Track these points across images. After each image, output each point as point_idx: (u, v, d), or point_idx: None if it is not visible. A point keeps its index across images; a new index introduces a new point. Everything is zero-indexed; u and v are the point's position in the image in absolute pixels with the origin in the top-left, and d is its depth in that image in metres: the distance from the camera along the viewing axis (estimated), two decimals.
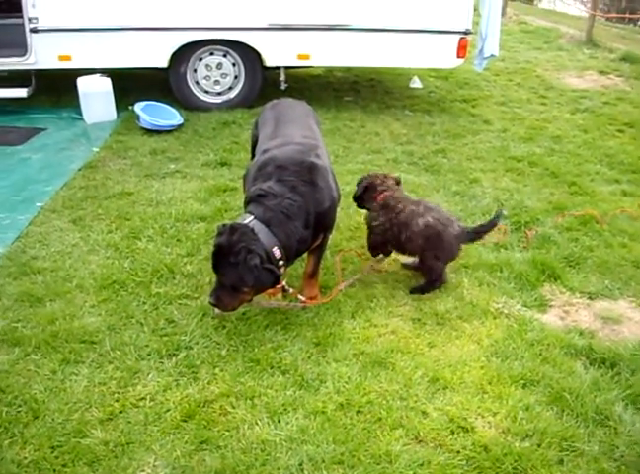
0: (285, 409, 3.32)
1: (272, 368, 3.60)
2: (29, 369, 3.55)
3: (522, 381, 3.57)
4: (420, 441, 3.17)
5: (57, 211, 5.41)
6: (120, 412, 3.29)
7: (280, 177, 3.88)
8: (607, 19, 17.68)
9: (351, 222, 5.22)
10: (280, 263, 3.77)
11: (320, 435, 3.14)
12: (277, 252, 3.74)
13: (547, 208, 5.72)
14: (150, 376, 3.53)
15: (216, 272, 3.75)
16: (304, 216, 3.85)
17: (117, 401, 3.36)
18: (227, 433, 3.18)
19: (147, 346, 3.76)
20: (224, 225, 3.77)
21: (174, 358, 3.67)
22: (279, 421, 3.24)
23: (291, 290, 4.11)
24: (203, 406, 3.33)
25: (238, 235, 3.66)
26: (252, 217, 3.77)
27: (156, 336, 3.85)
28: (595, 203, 5.85)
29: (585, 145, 7.52)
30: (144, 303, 4.16)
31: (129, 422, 3.23)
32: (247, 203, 3.95)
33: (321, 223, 3.99)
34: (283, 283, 4.01)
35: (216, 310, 3.91)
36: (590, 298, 4.48)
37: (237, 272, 3.63)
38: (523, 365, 3.69)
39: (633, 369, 3.70)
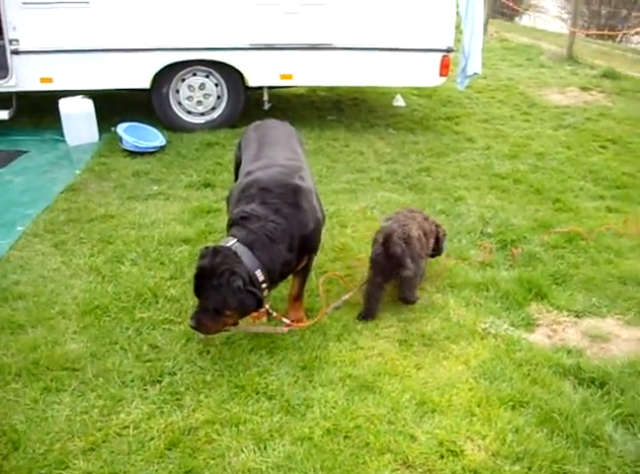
0: (272, 435, 3.26)
1: (257, 394, 3.54)
2: (9, 399, 3.47)
3: (511, 402, 3.52)
4: (409, 466, 3.12)
5: (39, 235, 5.34)
6: (103, 441, 3.22)
7: (264, 199, 3.84)
8: (587, 35, 17.84)
9: (335, 243, 5.19)
10: (264, 286, 3.72)
11: (307, 462, 3.08)
12: (259, 275, 3.69)
13: (532, 226, 5.71)
14: (134, 404, 3.46)
15: (198, 295, 3.70)
16: (288, 239, 3.81)
17: (99, 430, 3.29)
18: (212, 461, 3.11)
19: (131, 372, 3.69)
20: (207, 248, 3.72)
21: (158, 385, 3.60)
22: (265, 448, 3.18)
23: (275, 313, 4.05)
24: (188, 434, 3.27)
25: (221, 257, 3.61)
26: (235, 240, 3.73)
27: (140, 362, 3.78)
28: (579, 220, 5.85)
29: (568, 161, 7.54)
30: (127, 328, 4.10)
31: (112, 451, 3.16)
32: (230, 226, 3.91)
33: (305, 245, 3.96)
34: (267, 307, 3.96)
35: (200, 335, 3.87)
36: (577, 316, 4.45)
37: (220, 294, 3.58)
38: (512, 386, 3.64)
39: (622, 388, 3.66)
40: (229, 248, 3.68)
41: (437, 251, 4.75)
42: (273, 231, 3.77)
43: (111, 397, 3.50)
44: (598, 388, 3.68)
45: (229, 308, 3.65)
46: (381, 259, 4.25)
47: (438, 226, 4.75)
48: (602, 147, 8.19)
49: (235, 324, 3.84)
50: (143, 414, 3.39)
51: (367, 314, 4.27)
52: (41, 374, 3.65)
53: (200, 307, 3.69)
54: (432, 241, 4.63)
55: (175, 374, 3.68)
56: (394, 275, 4.27)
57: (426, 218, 4.67)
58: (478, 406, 3.50)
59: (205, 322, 3.68)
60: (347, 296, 4.45)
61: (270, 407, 3.45)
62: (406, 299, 4.34)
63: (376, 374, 3.71)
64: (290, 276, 4.15)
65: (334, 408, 3.43)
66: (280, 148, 4.42)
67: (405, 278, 4.25)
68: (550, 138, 8.49)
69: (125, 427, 3.31)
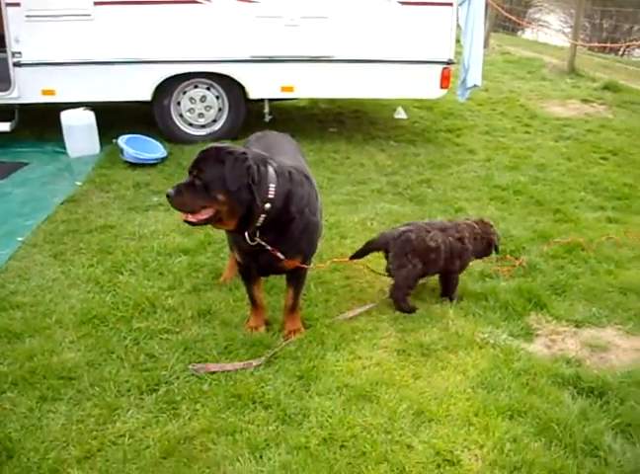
0: (268, 444, 3.24)
1: (254, 403, 3.52)
2: (4, 407, 3.46)
3: (509, 412, 3.50)
4: None
5: (38, 246, 5.35)
6: (99, 450, 3.20)
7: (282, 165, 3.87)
8: (589, 49, 17.87)
9: (334, 254, 5.16)
10: (267, 206, 3.63)
11: (303, 472, 3.06)
12: (272, 189, 3.64)
13: (532, 237, 5.69)
14: (130, 413, 3.45)
15: (193, 168, 3.57)
16: (304, 194, 3.85)
17: (95, 439, 3.27)
18: (208, 470, 3.09)
19: (127, 381, 3.68)
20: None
21: (154, 394, 3.59)
22: (260, 457, 3.16)
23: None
24: (184, 443, 3.25)
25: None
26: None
27: (136, 371, 3.77)
28: (580, 231, 5.83)
29: (569, 173, 7.53)
30: (125, 338, 4.09)
31: (107, 460, 3.14)
32: None
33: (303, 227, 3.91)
34: (257, 240, 3.78)
35: (183, 216, 3.66)
36: (576, 326, 4.43)
37: (222, 169, 3.47)
38: (510, 396, 3.62)
39: (621, 398, 3.63)
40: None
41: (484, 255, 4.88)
42: (296, 176, 3.81)
43: (107, 406, 3.49)
44: (597, 398, 3.65)
45: (224, 190, 3.49)
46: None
47: (492, 235, 4.78)
48: (603, 159, 8.18)
49: (218, 221, 3.64)
50: (139, 423, 3.38)
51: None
52: (38, 383, 3.64)
53: (189, 179, 3.57)
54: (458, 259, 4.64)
55: (171, 383, 3.67)
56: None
57: (462, 238, 4.63)
58: (476, 415, 3.48)
59: (187, 195, 3.54)
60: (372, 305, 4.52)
61: (266, 416, 3.43)
62: (390, 295, 4.53)
63: (374, 384, 3.68)
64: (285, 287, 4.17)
65: (330, 417, 3.41)
66: (285, 158, 4.36)
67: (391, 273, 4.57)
68: (551, 150, 8.48)
69: (121, 435, 3.30)
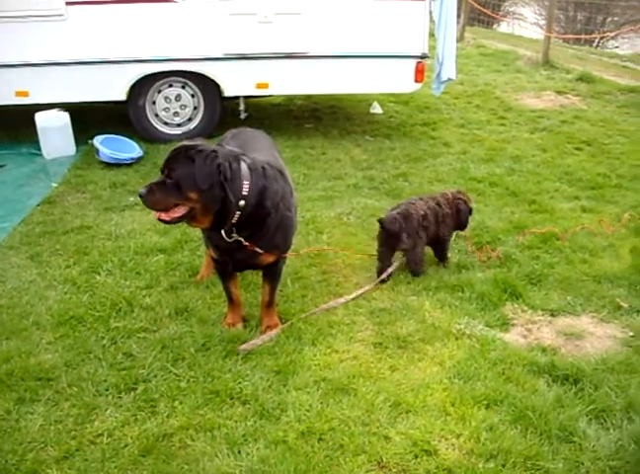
0: (246, 439, 3.26)
1: (232, 399, 3.54)
2: None
3: (486, 401, 3.54)
4: (383, 467, 3.13)
5: (14, 248, 5.32)
6: (77, 450, 3.21)
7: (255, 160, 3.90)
8: (564, 40, 17.99)
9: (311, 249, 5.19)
10: (241, 203, 3.65)
11: (281, 465, 3.08)
12: (245, 186, 3.66)
13: (508, 227, 5.73)
14: (108, 412, 3.46)
15: (164, 167, 3.58)
16: (278, 189, 3.89)
17: (73, 439, 3.28)
18: (186, 466, 3.11)
19: (105, 381, 3.68)
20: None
21: (132, 393, 3.60)
22: (239, 452, 3.18)
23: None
24: (162, 440, 3.27)
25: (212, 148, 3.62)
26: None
27: (114, 370, 3.77)
28: (555, 221, 5.88)
29: (544, 164, 7.59)
30: (102, 338, 4.08)
31: (86, 460, 3.15)
32: None
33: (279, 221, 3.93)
34: (235, 236, 3.81)
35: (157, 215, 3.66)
36: (552, 315, 4.49)
37: (191, 167, 3.48)
38: (486, 385, 3.66)
39: (596, 384, 3.69)
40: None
41: (459, 226, 5.18)
42: (269, 172, 3.83)
43: (85, 406, 3.49)
44: (571, 385, 3.71)
45: (195, 188, 3.50)
46: (382, 235, 4.84)
47: (460, 202, 5.14)
48: (577, 149, 8.24)
49: (193, 219, 3.65)
50: (117, 421, 3.39)
51: (381, 271, 4.80)
52: (15, 385, 3.64)
53: (161, 178, 3.57)
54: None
55: (149, 382, 3.67)
56: (395, 247, 4.85)
57: (439, 203, 5.07)
58: (452, 405, 3.52)
59: (158, 194, 3.55)
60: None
61: (244, 412, 3.45)
62: (413, 272, 4.88)
63: (351, 377, 3.71)
64: (261, 283, 4.18)
65: (308, 411, 3.44)
66: (261, 154, 4.32)
67: (405, 252, 4.88)
68: (526, 142, 8.54)
69: (99, 434, 3.31)
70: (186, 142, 3.70)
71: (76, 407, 3.49)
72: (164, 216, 3.61)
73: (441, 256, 5.11)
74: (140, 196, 3.59)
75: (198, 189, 3.50)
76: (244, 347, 3.91)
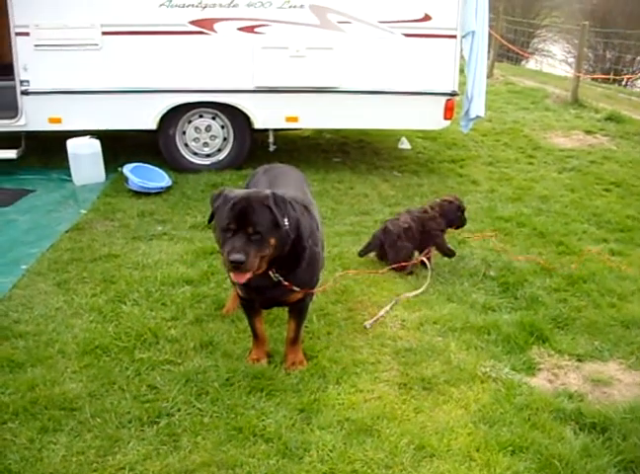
0: None
1: (254, 436, 3.51)
2: (5, 438, 3.46)
3: (511, 448, 3.48)
4: None
5: (42, 274, 5.36)
6: None
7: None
8: (593, 79, 17.98)
9: (337, 285, 5.16)
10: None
11: None
12: (286, 223, 3.60)
13: (535, 269, 5.70)
14: (130, 445, 3.44)
15: (241, 220, 3.40)
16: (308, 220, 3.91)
17: (95, 471, 3.27)
18: None
19: (128, 413, 3.67)
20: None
21: (155, 426, 3.58)
22: None
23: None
24: None
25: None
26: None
27: (138, 402, 3.76)
28: (582, 263, 5.83)
29: (572, 205, 7.55)
30: (127, 369, 4.08)
31: None
32: None
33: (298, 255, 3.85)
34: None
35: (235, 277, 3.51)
36: (579, 360, 4.43)
37: (271, 214, 3.43)
38: (512, 431, 3.61)
39: (624, 434, 3.61)
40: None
41: (450, 223, 5.81)
42: (296, 207, 3.79)
43: (107, 437, 3.48)
44: (599, 434, 3.64)
45: (277, 235, 3.49)
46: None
47: (445, 202, 5.80)
48: (606, 190, 8.20)
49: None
50: (140, 455, 3.37)
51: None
52: (39, 414, 3.64)
53: (241, 235, 3.40)
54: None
55: (173, 415, 3.66)
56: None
57: (425, 210, 5.78)
58: (477, 451, 3.46)
59: (252, 254, 3.38)
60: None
61: (267, 450, 3.42)
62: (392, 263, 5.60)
63: (375, 418, 3.67)
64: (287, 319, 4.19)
65: (331, 451, 3.40)
66: (288, 190, 4.32)
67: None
68: (554, 181, 8.51)
69: (121, 468, 3.29)
70: (237, 192, 3.59)
71: (99, 438, 3.48)
72: (248, 276, 3.53)
73: (443, 252, 5.73)
74: (239, 262, 3.38)
75: (278, 234, 3.52)
76: (370, 322, 4.59)
